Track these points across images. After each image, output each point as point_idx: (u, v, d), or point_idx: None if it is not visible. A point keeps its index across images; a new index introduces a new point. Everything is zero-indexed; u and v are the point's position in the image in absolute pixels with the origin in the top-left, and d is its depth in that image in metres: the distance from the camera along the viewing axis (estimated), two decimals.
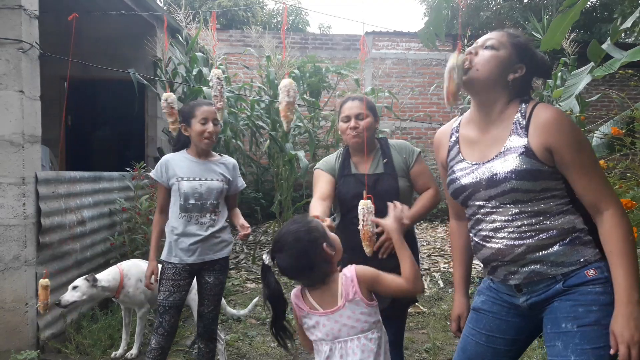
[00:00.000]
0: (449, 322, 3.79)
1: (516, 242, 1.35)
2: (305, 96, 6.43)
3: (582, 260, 1.32)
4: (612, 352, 1.23)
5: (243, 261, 5.55)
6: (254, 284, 4.82)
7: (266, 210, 7.05)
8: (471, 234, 1.51)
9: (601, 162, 1.96)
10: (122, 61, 5.19)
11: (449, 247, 6.31)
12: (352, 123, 2.07)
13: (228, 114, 5.29)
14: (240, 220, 2.44)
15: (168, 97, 2.41)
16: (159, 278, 2.41)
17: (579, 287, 1.31)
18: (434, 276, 5.08)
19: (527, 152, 1.33)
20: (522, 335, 1.49)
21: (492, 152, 1.41)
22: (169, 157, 2.45)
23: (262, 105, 5.86)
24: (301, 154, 5.25)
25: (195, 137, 2.38)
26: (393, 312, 1.95)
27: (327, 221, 1.56)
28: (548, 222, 1.34)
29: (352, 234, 1.77)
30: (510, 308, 1.47)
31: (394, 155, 2.14)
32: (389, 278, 1.45)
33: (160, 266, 2.45)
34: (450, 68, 1.38)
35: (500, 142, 1.40)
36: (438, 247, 6.38)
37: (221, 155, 2.56)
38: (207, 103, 2.41)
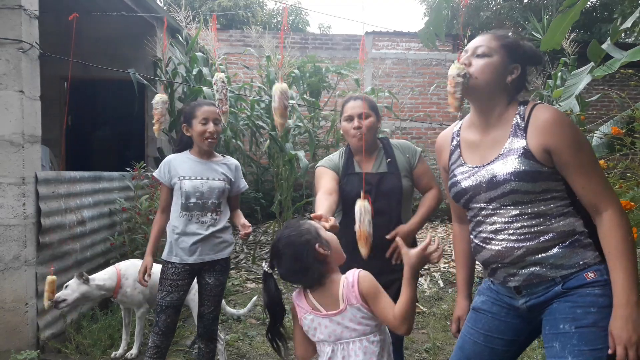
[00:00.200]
0: (449, 322, 3.81)
1: (516, 245, 1.35)
2: (305, 96, 6.42)
3: (581, 262, 1.32)
4: (609, 352, 1.23)
5: (243, 261, 5.55)
6: (254, 284, 4.82)
7: (266, 210, 7.05)
8: (471, 236, 1.52)
9: (601, 162, 1.96)
10: (122, 61, 5.19)
11: (449, 247, 6.31)
12: (356, 123, 2.08)
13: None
14: (242, 220, 2.44)
15: (164, 98, 2.40)
16: (159, 277, 2.41)
17: (578, 289, 1.30)
18: (434, 276, 5.08)
19: (526, 154, 1.33)
20: (521, 336, 1.49)
21: (492, 155, 1.42)
22: (172, 157, 2.46)
23: (262, 105, 5.86)
24: (301, 154, 5.25)
25: (197, 137, 2.38)
26: None
27: (332, 221, 1.54)
28: (548, 224, 1.33)
29: (354, 233, 1.76)
30: (510, 309, 1.47)
31: (397, 155, 2.15)
32: (385, 304, 1.39)
33: (158, 265, 2.45)
34: (451, 78, 1.37)
35: (499, 144, 1.40)
36: None
37: (224, 156, 2.56)
38: (208, 103, 2.42)
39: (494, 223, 1.40)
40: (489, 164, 1.41)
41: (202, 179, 2.38)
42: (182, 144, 2.52)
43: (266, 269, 1.47)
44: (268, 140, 5.91)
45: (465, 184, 1.46)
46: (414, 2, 34.07)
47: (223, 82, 2.03)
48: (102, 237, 3.94)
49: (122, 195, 4.22)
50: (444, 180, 1.64)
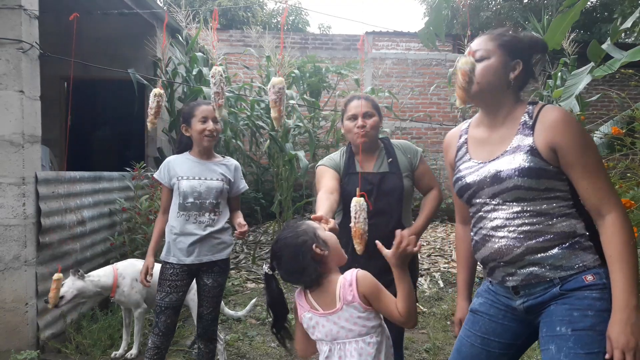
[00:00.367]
0: (449, 322, 3.81)
1: (516, 243, 1.35)
2: (305, 96, 6.42)
3: (581, 265, 1.31)
4: (607, 357, 1.22)
5: (243, 261, 5.55)
6: (254, 284, 4.82)
7: (266, 210, 7.05)
8: (472, 233, 1.52)
9: None
10: (122, 61, 5.19)
11: (449, 247, 6.31)
12: (360, 122, 2.08)
13: (228, 114, 5.29)
14: (238, 219, 2.43)
15: (158, 91, 2.36)
16: (158, 278, 2.41)
17: (576, 291, 1.30)
18: (434, 276, 5.08)
19: (532, 151, 1.33)
20: (518, 340, 1.48)
21: (498, 151, 1.42)
22: (171, 158, 2.47)
23: (262, 105, 5.86)
24: (301, 154, 5.25)
25: (197, 135, 2.39)
26: None
27: (331, 223, 1.54)
28: (549, 224, 1.33)
29: None
30: (507, 311, 1.47)
31: (398, 155, 2.16)
32: (388, 300, 1.40)
33: (159, 265, 2.45)
34: (461, 70, 1.35)
35: (506, 141, 1.41)
36: (438, 247, 6.37)
37: (224, 157, 2.56)
38: (207, 103, 2.44)
39: (495, 219, 1.40)
40: (494, 159, 1.41)
41: (200, 179, 2.38)
42: (182, 146, 2.52)
43: (267, 271, 1.49)
44: (268, 140, 5.91)
45: (469, 179, 1.47)
46: (414, 2, 34.10)
47: (221, 75, 2.03)
48: (102, 237, 3.94)
49: (122, 195, 4.22)
50: (450, 177, 1.64)
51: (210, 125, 2.37)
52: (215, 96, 1.91)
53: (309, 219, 1.58)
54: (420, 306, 4.12)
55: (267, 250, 5.86)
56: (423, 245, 6.47)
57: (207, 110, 2.37)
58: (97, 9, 4.84)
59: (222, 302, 3.17)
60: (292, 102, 5.46)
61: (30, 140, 3.06)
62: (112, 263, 3.28)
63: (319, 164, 2.21)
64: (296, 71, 6.07)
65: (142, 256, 3.67)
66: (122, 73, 4.57)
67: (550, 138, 1.31)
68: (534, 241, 1.33)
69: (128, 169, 4.41)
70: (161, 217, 2.48)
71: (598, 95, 4.56)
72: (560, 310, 1.31)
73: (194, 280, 2.50)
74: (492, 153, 1.44)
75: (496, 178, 1.38)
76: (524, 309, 1.40)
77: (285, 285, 4.18)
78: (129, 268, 3.11)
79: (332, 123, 6.66)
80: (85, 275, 2.93)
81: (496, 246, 1.39)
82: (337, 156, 2.21)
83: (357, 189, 1.62)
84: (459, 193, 1.53)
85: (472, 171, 1.47)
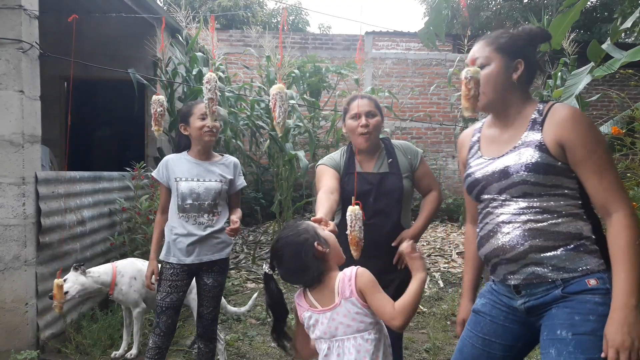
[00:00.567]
0: (449, 322, 3.81)
1: (520, 240, 1.35)
2: (305, 96, 6.42)
3: (584, 268, 1.30)
4: (602, 355, 1.21)
5: (243, 261, 5.55)
6: (254, 283, 4.82)
7: (266, 210, 7.05)
8: (478, 229, 1.52)
9: None
10: (122, 61, 5.18)
11: (449, 247, 6.31)
12: (363, 120, 2.08)
13: (228, 114, 5.29)
14: (232, 216, 2.42)
15: (161, 99, 2.34)
16: (158, 278, 2.41)
17: (578, 295, 1.29)
18: (434, 276, 5.08)
19: (540, 147, 1.34)
20: (519, 342, 1.48)
21: (507, 147, 1.43)
22: (169, 157, 2.46)
23: (262, 105, 5.86)
24: (301, 154, 5.25)
25: (196, 133, 2.38)
26: None
27: (331, 225, 1.56)
28: (555, 222, 1.32)
29: None
30: (509, 312, 1.46)
31: (398, 156, 2.16)
32: (382, 298, 1.41)
33: (159, 266, 2.45)
34: (465, 80, 1.35)
35: (516, 137, 1.42)
36: (438, 247, 6.37)
37: (222, 156, 2.56)
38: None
39: (501, 214, 1.40)
40: (503, 155, 1.42)
41: (198, 180, 2.38)
42: (182, 146, 2.51)
43: (267, 271, 1.49)
44: (268, 140, 5.91)
45: (478, 174, 1.48)
46: (414, 2, 34.09)
47: (216, 81, 2.03)
48: (102, 237, 3.94)
49: (122, 195, 4.22)
50: (462, 176, 1.65)
51: (209, 121, 2.36)
52: (209, 102, 1.91)
53: (309, 219, 1.58)
54: (420, 306, 4.12)
55: (267, 250, 5.86)
56: (423, 245, 6.46)
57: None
58: (97, 9, 4.84)
59: (225, 300, 3.17)
60: (292, 102, 5.46)
61: (30, 140, 3.06)
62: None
63: (319, 163, 2.20)
64: (296, 71, 6.08)
65: (142, 256, 3.67)
66: (122, 73, 4.57)
67: (559, 134, 1.32)
68: (538, 239, 1.33)
69: (128, 169, 4.41)
70: (160, 218, 2.47)
71: (598, 95, 4.57)
72: (562, 314, 1.30)
73: (194, 280, 2.50)
74: (501, 149, 1.45)
75: (504, 173, 1.38)
76: (525, 310, 1.40)
77: (285, 286, 4.18)
78: (128, 266, 3.11)
79: (332, 123, 6.66)
80: (86, 270, 2.94)
81: (500, 242, 1.39)
82: (337, 156, 2.21)
83: (353, 198, 1.64)
84: (468, 189, 1.54)
85: (481, 167, 1.48)
